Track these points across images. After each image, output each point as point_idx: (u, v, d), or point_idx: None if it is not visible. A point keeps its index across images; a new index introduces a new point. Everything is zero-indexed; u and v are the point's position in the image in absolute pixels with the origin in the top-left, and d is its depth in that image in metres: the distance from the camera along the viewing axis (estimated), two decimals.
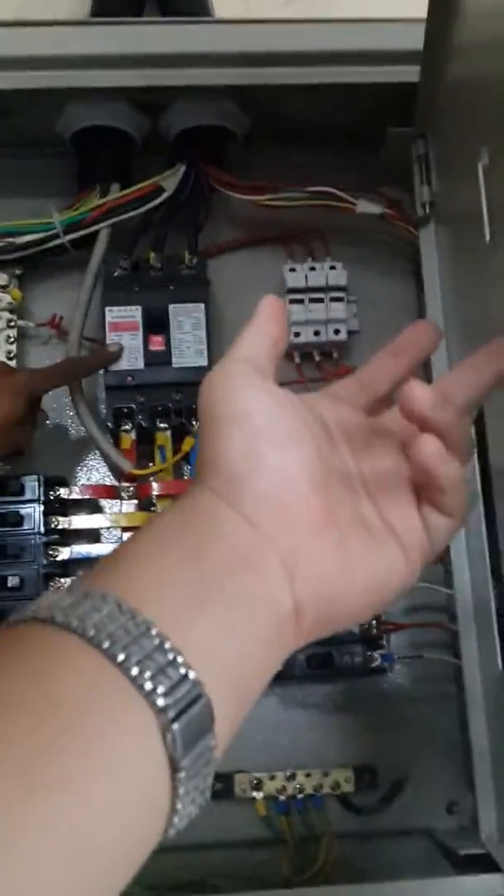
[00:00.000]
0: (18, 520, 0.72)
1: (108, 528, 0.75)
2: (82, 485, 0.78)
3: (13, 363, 0.79)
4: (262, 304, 0.41)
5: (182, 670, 0.29)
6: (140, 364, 0.76)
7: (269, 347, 0.40)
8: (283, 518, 0.35)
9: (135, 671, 0.28)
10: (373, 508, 0.39)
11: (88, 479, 0.80)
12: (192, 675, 0.29)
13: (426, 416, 0.36)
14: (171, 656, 0.29)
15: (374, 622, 0.72)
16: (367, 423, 0.43)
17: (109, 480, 0.79)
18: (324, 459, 0.38)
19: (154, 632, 0.29)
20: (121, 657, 0.28)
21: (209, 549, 0.34)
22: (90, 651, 0.29)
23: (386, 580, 0.37)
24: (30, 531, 0.72)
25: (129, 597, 0.30)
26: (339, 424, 0.41)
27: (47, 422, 0.78)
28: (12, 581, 0.70)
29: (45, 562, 0.71)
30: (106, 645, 0.29)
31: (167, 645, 0.29)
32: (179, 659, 0.29)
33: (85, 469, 0.80)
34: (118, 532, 0.75)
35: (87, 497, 0.76)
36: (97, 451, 0.79)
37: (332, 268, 0.79)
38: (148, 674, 0.28)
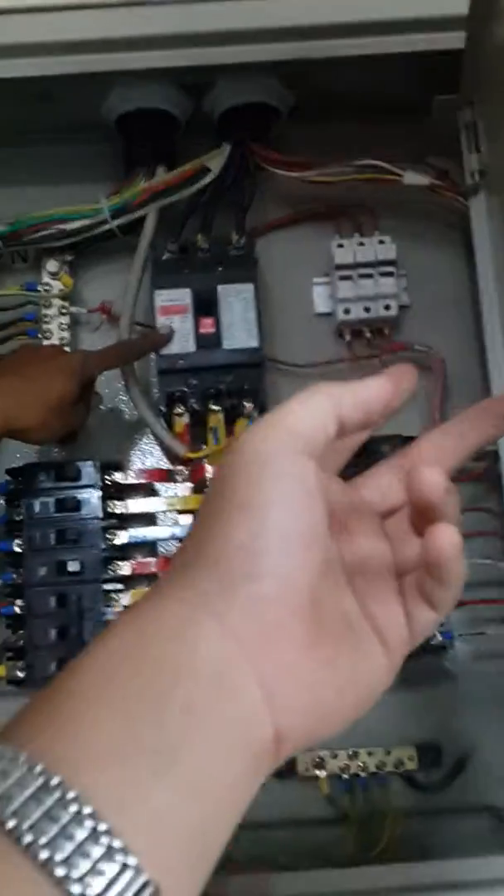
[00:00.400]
0: (76, 504, 0.72)
1: (164, 511, 0.76)
2: (137, 469, 0.78)
3: (67, 349, 0.80)
4: (394, 370, 0.36)
5: (121, 859, 0.24)
6: (191, 347, 0.76)
7: (356, 422, 0.34)
8: (275, 634, 0.30)
9: (60, 871, 0.23)
10: (354, 602, 0.34)
11: (143, 463, 0.80)
12: (131, 861, 0.24)
13: (439, 503, 0.32)
14: (106, 843, 0.24)
15: None
16: (346, 496, 0.37)
17: (163, 464, 0.80)
18: (327, 561, 0.33)
19: (87, 812, 0.24)
20: (43, 854, 0.23)
21: (174, 683, 0.28)
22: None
23: (372, 687, 0.33)
24: (88, 516, 0.73)
25: (62, 763, 0.25)
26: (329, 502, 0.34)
27: (101, 406, 0.79)
28: (73, 566, 0.71)
29: (104, 546, 0.72)
30: (24, 835, 0.24)
31: (102, 828, 0.24)
32: (116, 844, 0.24)
33: (139, 453, 0.81)
34: (174, 515, 0.76)
35: (143, 481, 0.76)
36: (151, 435, 0.80)
37: (381, 242, 0.78)
38: (76, 873, 0.23)
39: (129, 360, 0.77)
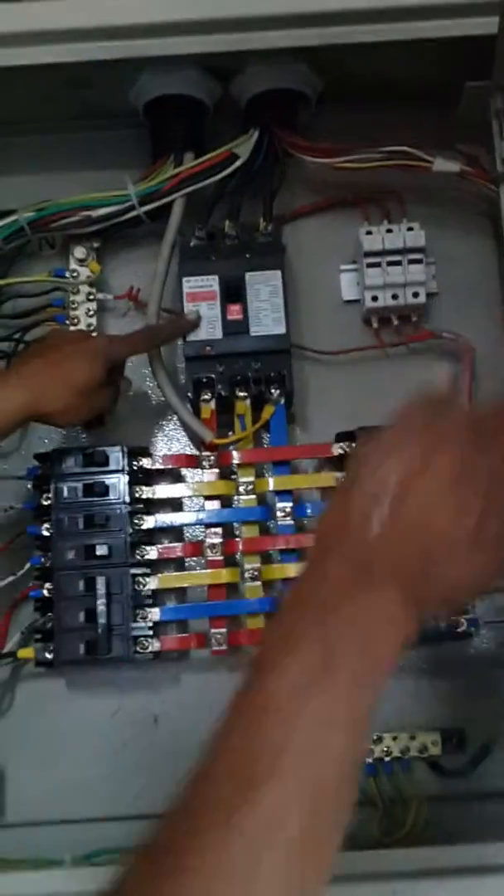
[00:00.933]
0: (104, 490, 0.73)
1: (191, 496, 0.76)
2: (164, 455, 0.79)
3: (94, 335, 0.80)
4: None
5: None
6: (218, 334, 0.76)
7: None
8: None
9: None
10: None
11: (169, 449, 0.81)
12: None
13: None
14: None
15: None
16: None
17: (189, 450, 0.80)
18: None
19: None
20: None
21: None
22: None
23: None
24: (116, 501, 0.73)
25: None
26: None
27: (130, 392, 0.79)
28: (101, 549, 0.72)
29: (131, 530, 0.73)
30: None
31: None
32: None
33: (165, 439, 0.81)
34: (200, 500, 0.76)
35: (170, 466, 0.77)
36: (177, 421, 0.80)
37: (410, 229, 0.78)
38: None
39: (156, 344, 0.77)
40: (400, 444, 0.43)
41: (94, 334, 0.80)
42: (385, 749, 0.73)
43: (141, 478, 0.75)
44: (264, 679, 0.39)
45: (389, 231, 0.78)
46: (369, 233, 0.78)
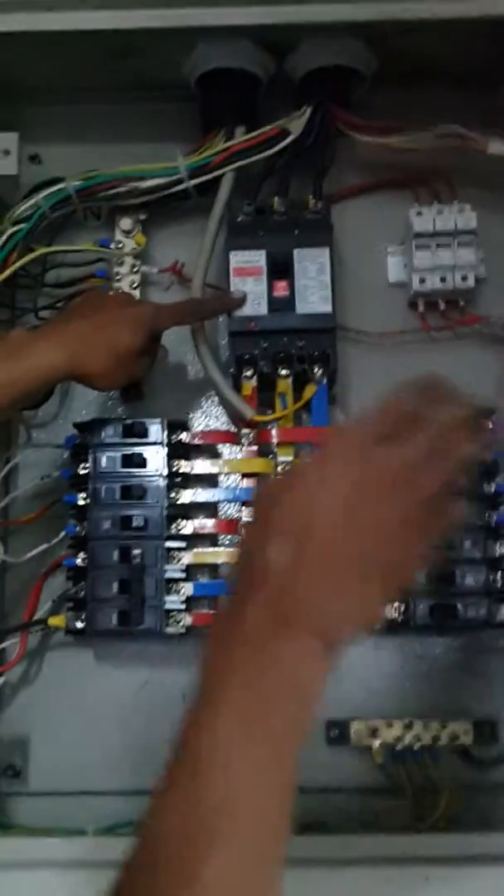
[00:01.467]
0: (143, 461, 0.73)
1: (228, 473, 0.75)
2: (203, 430, 0.78)
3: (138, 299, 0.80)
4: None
5: None
6: (263, 310, 0.75)
7: None
8: None
9: None
10: None
11: (207, 426, 0.80)
12: None
13: None
14: None
15: (499, 575, 0.70)
16: None
17: (228, 426, 0.79)
18: None
19: None
20: None
21: None
22: None
23: None
24: (153, 473, 0.73)
25: None
26: None
27: (167, 359, 0.78)
28: (137, 521, 0.71)
29: (167, 503, 0.72)
30: None
31: None
32: None
33: (204, 415, 0.81)
34: (237, 477, 0.75)
35: (209, 442, 0.76)
36: (216, 397, 0.79)
37: (461, 211, 0.77)
38: None
39: (200, 318, 0.76)
40: (300, 481, 0.43)
41: (139, 300, 0.79)
42: (415, 736, 0.72)
43: (179, 452, 0.74)
44: (200, 729, 0.39)
45: (440, 212, 0.77)
46: (420, 213, 0.77)
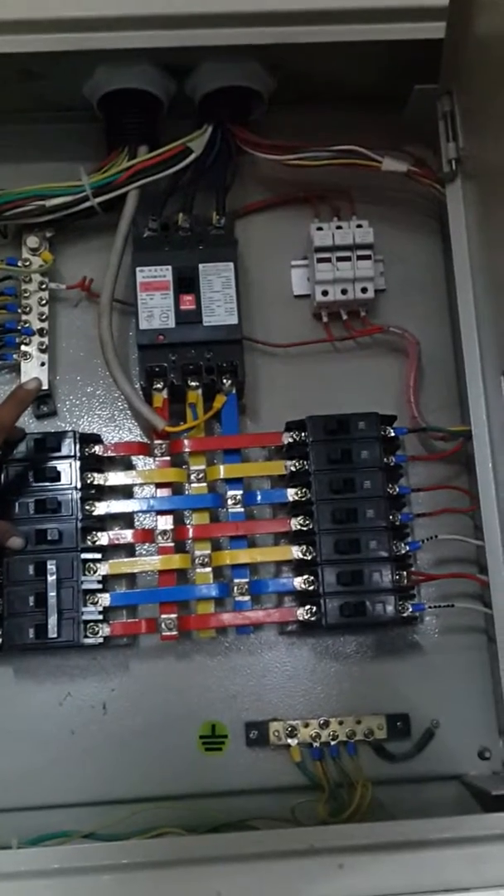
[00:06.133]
0: (56, 475, 0.73)
1: (142, 484, 0.77)
2: (116, 442, 0.79)
3: (46, 325, 0.80)
4: None
5: None
6: (171, 323, 0.77)
7: None
8: None
9: None
10: None
11: (121, 437, 0.81)
12: None
13: None
14: None
15: (404, 573, 0.73)
16: None
17: (141, 438, 0.81)
18: None
19: None
20: None
21: None
22: None
23: None
24: (67, 486, 0.73)
25: None
26: None
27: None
28: (52, 534, 0.72)
29: (81, 516, 0.73)
30: None
31: None
32: None
33: (116, 427, 0.82)
34: (151, 488, 0.77)
35: (121, 454, 0.77)
36: (128, 410, 0.81)
37: (359, 226, 0.80)
38: None
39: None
40: None
41: (47, 326, 0.80)
42: (331, 733, 0.74)
43: (93, 464, 0.75)
44: None
45: (339, 227, 0.80)
46: (320, 228, 0.80)
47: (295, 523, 0.74)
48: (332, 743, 0.74)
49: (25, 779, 0.74)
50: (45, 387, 0.79)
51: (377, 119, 0.82)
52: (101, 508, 0.74)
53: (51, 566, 0.71)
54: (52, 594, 0.71)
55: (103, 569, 0.73)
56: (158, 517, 0.76)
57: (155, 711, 0.76)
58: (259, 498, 0.76)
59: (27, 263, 0.81)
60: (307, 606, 0.72)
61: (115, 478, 0.75)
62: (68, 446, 0.74)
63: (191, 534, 0.76)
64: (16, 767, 0.74)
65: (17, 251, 0.82)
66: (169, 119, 0.82)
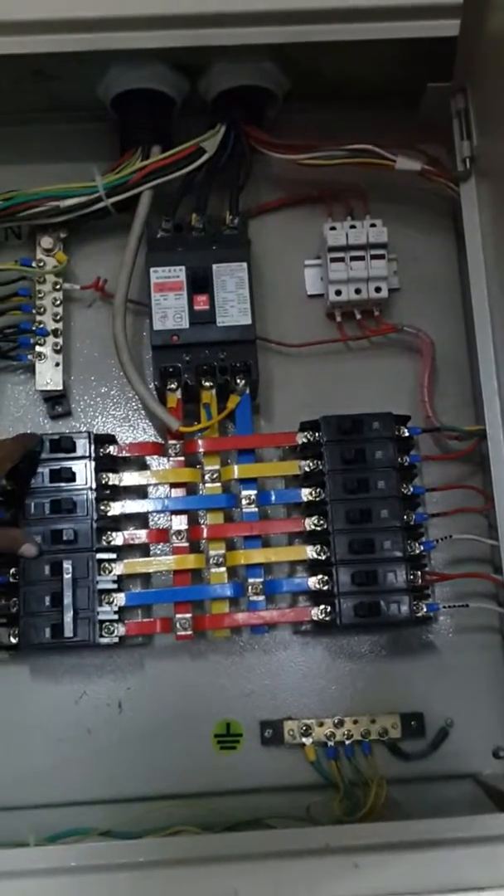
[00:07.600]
0: (71, 475, 0.74)
1: (156, 484, 0.77)
2: (130, 442, 0.80)
3: (60, 325, 0.81)
4: None
5: None
6: (185, 324, 0.77)
7: None
8: None
9: None
10: None
11: (135, 438, 0.81)
12: None
13: None
14: None
15: (418, 573, 0.73)
16: None
17: (155, 438, 0.81)
18: None
19: None
20: None
21: None
22: None
23: None
24: (82, 487, 0.74)
25: None
26: None
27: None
28: (67, 534, 0.72)
29: (97, 516, 0.73)
30: None
31: None
32: None
33: (131, 428, 0.82)
34: (165, 488, 0.77)
35: (136, 454, 0.78)
36: (143, 410, 0.81)
37: (373, 225, 0.80)
38: None
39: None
40: None
41: (61, 326, 0.80)
42: (346, 732, 0.74)
43: (108, 465, 0.75)
44: None
45: (353, 227, 0.80)
46: (333, 228, 0.80)
47: (309, 523, 0.74)
48: (347, 742, 0.74)
49: (42, 776, 0.74)
50: (60, 387, 0.79)
51: (391, 118, 0.82)
52: (116, 508, 0.75)
53: (66, 566, 0.71)
54: (67, 594, 0.71)
55: (118, 569, 0.74)
56: (173, 517, 0.76)
57: (170, 710, 0.76)
58: (273, 498, 0.77)
59: (41, 264, 0.82)
60: (322, 606, 0.72)
61: (130, 478, 0.76)
62: (83, 447, 0.74)
63: (205, 534, 0.76)
64: (33, 765, 0.75)
65: (32, 252, 0.82)
66: (184, 118, 0.82)
